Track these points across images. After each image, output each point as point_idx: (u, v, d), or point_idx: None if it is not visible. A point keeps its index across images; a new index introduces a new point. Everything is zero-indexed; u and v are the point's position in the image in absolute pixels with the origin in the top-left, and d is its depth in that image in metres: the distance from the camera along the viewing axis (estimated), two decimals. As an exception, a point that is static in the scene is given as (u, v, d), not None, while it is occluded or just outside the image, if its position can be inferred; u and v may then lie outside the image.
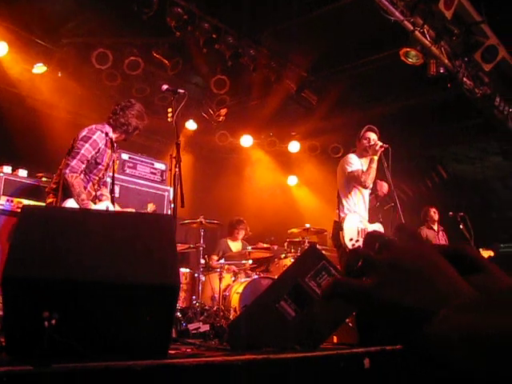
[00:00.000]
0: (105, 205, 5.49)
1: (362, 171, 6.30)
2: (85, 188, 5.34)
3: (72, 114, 8.72)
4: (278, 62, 8.98)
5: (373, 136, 6.48)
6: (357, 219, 6.27)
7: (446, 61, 7.47)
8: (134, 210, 5.86)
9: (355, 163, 6.42)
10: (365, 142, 6.48)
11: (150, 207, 6.12)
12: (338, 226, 6.24)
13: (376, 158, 6.29)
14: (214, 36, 7.87)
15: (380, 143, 6.31)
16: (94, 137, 5.31)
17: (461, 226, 8.26)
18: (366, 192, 6.53)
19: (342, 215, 6.29)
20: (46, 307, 2.45)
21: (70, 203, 5.08)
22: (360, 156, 6.50)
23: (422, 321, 0.56)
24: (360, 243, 6.02)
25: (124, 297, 2.78)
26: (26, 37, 7.77)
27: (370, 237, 0.70)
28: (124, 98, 8.05)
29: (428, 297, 0.58)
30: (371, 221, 6.48)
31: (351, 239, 6.08)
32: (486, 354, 0.50)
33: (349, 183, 6.42)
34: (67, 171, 5.11)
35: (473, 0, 6.57)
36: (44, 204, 5.62)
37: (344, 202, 6.41)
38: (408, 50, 7.22)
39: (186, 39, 7.97)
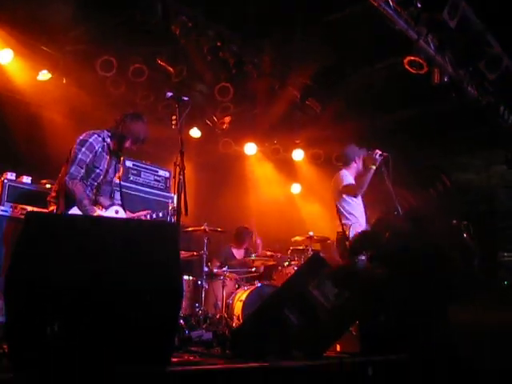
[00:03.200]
0: (114, 209, 5.48)
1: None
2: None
3: (76, 121, 8.69)
4: (282, 70, 8.98)
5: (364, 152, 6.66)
6: (360, 228, 6.30)
7: (450, 70, 7.46)
8: (148, 212, 5.85)
9: (348, 178, 6.55)
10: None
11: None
12: (344, 236, 6.25)
13: (374, 167, 6.31)
14: (218, 44, 7.88)
15: (379, 152, 6.32)
16: (91, 140, 5.31)
17: (464, 235, 8.22)
18: (359, 199, 6.62)
19: (346, 224, 6.31)
20: (48, 313, 2.45)
21: (74, 210, 5.08)
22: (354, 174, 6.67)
23: (430, 322, 0.54)
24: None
25: (127, 302, 2.77)
26: (31, 43, 7.77)
27: (380, 223, 0.68)
28: (128, 105, 8.08)
29: (440, 297, 0.56)
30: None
31: None
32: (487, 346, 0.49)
33: (343, 196, 6.52)
34: (67, 178, 5.12)
35: (476, 9, 6.57)
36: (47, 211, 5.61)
37: (344, 212, 6.46)
38: (412, 58, 7.21)
39: (191, 47, 7.97)
